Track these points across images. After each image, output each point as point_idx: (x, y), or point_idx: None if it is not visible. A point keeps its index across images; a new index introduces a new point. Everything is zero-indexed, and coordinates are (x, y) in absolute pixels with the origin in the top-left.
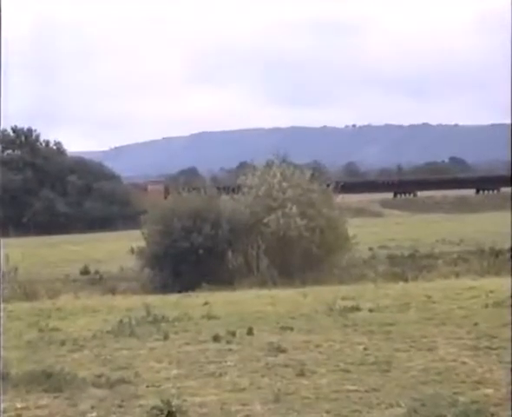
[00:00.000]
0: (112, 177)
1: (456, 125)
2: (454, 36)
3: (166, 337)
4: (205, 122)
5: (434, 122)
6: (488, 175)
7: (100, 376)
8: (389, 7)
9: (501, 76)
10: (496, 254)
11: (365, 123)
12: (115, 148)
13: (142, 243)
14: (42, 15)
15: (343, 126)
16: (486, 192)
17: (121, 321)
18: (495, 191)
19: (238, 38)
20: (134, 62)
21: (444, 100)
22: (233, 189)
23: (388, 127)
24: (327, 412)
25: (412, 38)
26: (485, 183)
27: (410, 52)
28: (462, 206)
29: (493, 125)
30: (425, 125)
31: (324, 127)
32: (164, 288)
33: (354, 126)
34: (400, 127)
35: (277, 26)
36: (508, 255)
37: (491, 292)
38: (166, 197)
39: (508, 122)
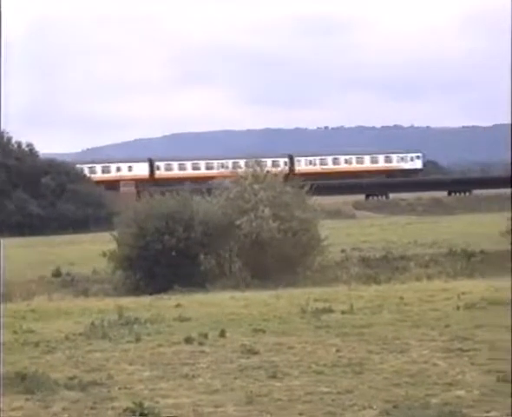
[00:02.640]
0: (86, 179)
1: (428, 127)
2: (435, 39)
3: (138, 339)
4: (179, 124)
5: (406, 124)
6: (460, 177)
7: (72, 378)
8: (372, 8)
9: (473, 79)
10: (469, 256)
11: (338, 125)
12: (87, 149)
13: (115, 245)
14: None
15: (315, 127)
16: (458, 194)
17: (93, 324)
18: (468, 193)
19: (217, 38)
20: (111, 62)
21: (419, 102)
22: (207, 191)
23: (360, 128)
24: (300, 414)
25: (392, 39)
26: (457, 185)
27: (390, 53)
28: (434, 208)
29: (464, 127)
30: (397, 127)
31: (297, 128)
32: (136, 290)
33: (326, 128)
34: (373, 128)
35: (257, 25)
36: (480, 258)
37: (463, 294)
38: (138, 199)
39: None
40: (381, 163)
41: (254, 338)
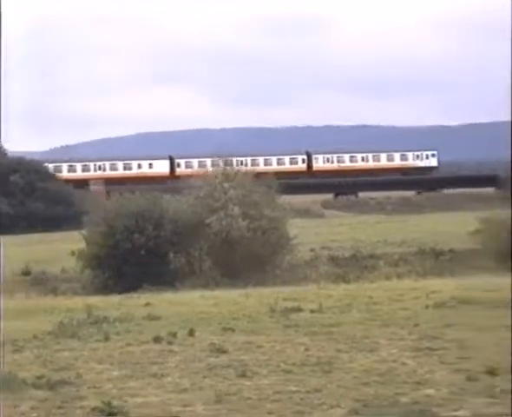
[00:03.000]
0: (55, 177)
1: (393, 127)
2: (403, 39)
3: (107, 338)
4: (148, 123)
5: (373, 123)
6: (429, 176)
7: (40, 377)
8: (340, 8)
9: (443, 79)
10: (437, 255)
11: (306, 124)
12: (55, 148)
13: (84, 244)
14: None
15: (284, 126)
16: (426, 193)
17: (61, 322)
18: (436, 192)
19: (188, 37)
20: (81, 61)
21: (386, 101)
22: (178, 191)
23: (328, 128)
24: (269, 413)
25: (360, 39)
26: (421, 184)
27: (358, 52)
28: (403, 207)
29: (430, 127)
30: (365, 126)
31: (267, 128)
32: (105, 289)
33: (296, 127)
34: (338, 127)
35: (228, 25)
36: (449, 256)
37: (433, 293)
38: (108, 197)
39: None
40: (397, 161)
41: (223, 337)
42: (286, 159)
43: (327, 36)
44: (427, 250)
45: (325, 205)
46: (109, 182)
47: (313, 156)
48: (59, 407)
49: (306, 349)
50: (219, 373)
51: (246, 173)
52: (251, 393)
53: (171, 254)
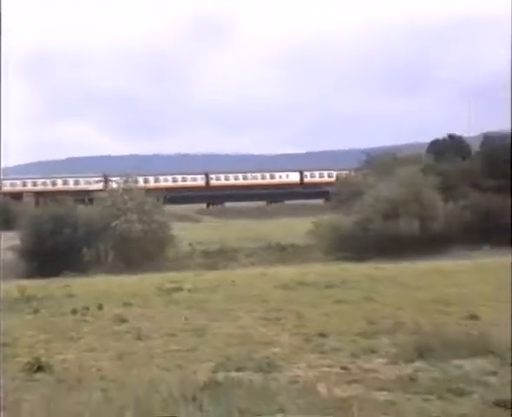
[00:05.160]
0: None
1: (251, 154)
2: (254, 80)
3: (36, 311)
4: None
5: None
6: (277, 191)
7: None
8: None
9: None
10: (282, 248)
11: (187, 152)
12: None
13: (18, 242)
14: None
15: (172, 153)
16: (275, 204)
17: (1, 300)
18: (282, 203)
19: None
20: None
21: (241, 133)
22: (89, 200)
23: (203, 156)
24: (158, 366)
25: (219, 82)
26: (275, 197)
27: (220, 92)
28: (259, 213)
29: (279, 155)
30: (227, 155)
31: (155, 154)
32: (34, 276)
33: (178, 153)
34: (203, 155)
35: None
36: (291, 250)
37: (278, 277)
38: (36, 206)
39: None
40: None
41: (124, 310)
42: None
43: (188, 80)
44: (274, 245)
45: (200, 212)
46: (41, 194)
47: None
48: (2, 362)
49: (185, 319)
50: (121, 337)
51: (140, 188)
52: (144, 352)
53: (84, 249)
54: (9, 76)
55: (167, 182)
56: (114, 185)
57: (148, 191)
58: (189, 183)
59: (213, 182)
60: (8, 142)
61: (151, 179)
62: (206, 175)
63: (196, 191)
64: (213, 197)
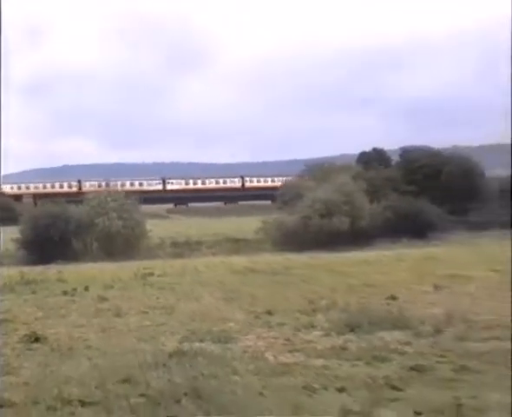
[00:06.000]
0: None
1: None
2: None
3: (34, 292)
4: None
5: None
6: (233, 194)
7: None
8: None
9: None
10: (236, 241)
11: (159, 161)
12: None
13: (19, 235)
14: None
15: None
16: (229, 204)
17: (4, 284)
18: (236, 204)
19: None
20: None
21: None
22: (80, 201)
23: (175, 164)
24: (135, 338)
25: (190, 105)
26: (228, 199)
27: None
28: (217, 213)
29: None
30: (196, 163)
31: (135, 164)
32: (32, 263)
33: (154, 163)
34: (178, 163)
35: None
36: (243, 243)
37: (234, 265)
38: (35, 206)
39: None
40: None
41: (106, 291)
42: (151, 182)
43: (163, 102)
44: (230, 239)
45: (169, 211)
46: (39, 196)
47: (167, 180)
48: (3, 334)
49: (157, 299)
50: (103, 314)
51: (119, 191)
52: (123, 327)
53: (74, 241)
54: (11, 98)
55: (143, 185)
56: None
57: (127, 193)
58: (161, 187)
59: (181, 186)
60: (18, 152)
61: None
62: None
63: (166, 194)
64: (179, 199)
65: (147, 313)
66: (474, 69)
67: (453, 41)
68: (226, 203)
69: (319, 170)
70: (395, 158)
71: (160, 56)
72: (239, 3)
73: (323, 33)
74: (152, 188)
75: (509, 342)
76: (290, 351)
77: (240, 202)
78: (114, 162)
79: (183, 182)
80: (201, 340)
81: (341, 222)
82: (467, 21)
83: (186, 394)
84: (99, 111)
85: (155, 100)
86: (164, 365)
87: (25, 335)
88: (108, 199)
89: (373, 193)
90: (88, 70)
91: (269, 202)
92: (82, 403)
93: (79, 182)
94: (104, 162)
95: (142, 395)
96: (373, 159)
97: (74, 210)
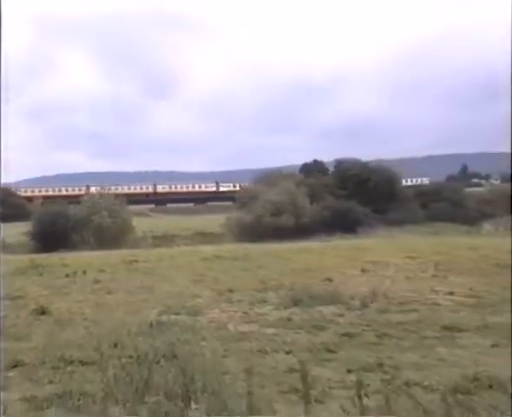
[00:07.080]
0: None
1: (186, 173)
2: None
3: (41, 274)
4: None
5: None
6: (204, 196)
7: (6, 295)
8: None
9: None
10: (204, 235)
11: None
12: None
13: (30, 228)
14: None
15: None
16: (200, 204)
17: (17, 267)
18: (205, 204)
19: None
20: None
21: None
22: (78, 202)
23: (157, 173)
24: (123, 311)
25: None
26: (198, 200)
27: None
28: (189, 211)
29: (215, 172)
30: (172, 172)
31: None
32: (40, 251)
33: (146, 171)
34: (161, 172)
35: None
36: (211, 236)
37: (203, 253)
38: (42, 205)
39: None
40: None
41: (99, 274)
42: (141, 186)
43: (143, 122)
44: (199, 232)
45: (151, 210)
46: (46, 198)
47: (158, 185)
48: (16, 309)
49: (141, 281)
50: (97, 293)
51: (110, 194)
52: (113, 303)
53: (73, 234)
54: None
55: (129, 189)
56: (94, 191)
57: (117, 196)
58: (144, 191)
59: (160, 190)
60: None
61: (119, 188)
62: (155, 186)
63: (148, 196)
64: (159, 200)
65: (132, 292)
66: (391, 94)
67: (371, 69)
68: (195, 204)
69: (270, 178)
70: (331, 168)
71: (136, 86)
72: (202, 47)
73: (267, 68)
74: (137, 191)
75: (419, 314)
76: (247, 322)
77: (209, 203)
78: (103, 171)
79: (166, 186)
80: (176, 313)
81: (287, 220)
82: (384, 50)
83: (164, 356)
84: (88, 131)
85: (134, 121)
86: (146, 333)
87: (34, 309)
88: (100, 200)
89: (313, 196)
90: (80, 98)
91: (230, 203)
92: (82, 363)
93: (155, 185)
94: (94, 171)
95: (130, 357)
96: (313, 169)
97: (73, 209)
